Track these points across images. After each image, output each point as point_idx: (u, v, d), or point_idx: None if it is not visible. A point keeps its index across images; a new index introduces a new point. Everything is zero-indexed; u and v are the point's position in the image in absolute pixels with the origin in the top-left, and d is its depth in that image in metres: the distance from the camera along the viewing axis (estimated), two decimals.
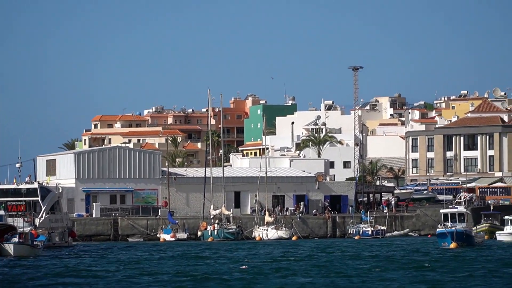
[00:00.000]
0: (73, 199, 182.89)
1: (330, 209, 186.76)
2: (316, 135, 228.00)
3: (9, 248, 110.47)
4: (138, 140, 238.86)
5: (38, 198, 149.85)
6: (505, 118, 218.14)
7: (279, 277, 69.89)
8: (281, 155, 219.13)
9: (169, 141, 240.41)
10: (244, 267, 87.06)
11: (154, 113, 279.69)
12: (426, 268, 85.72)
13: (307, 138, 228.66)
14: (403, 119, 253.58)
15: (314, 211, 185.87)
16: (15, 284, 70.52)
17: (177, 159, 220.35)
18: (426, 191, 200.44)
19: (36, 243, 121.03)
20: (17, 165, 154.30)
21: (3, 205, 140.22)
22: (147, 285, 67.46)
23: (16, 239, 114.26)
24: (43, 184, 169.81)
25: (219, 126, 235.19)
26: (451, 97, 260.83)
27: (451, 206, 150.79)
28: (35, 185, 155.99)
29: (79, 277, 78.41)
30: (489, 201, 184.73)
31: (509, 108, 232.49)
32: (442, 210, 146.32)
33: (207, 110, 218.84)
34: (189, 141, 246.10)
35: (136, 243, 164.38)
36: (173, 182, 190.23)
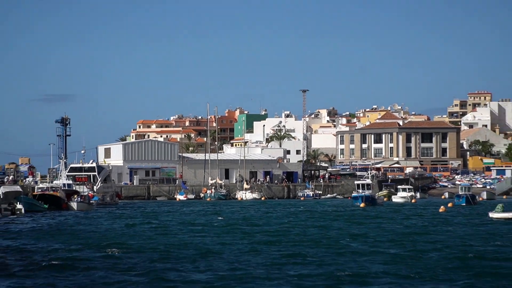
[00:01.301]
0: (121, 173, 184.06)
1: (286, 180, 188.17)
2: (279, 133, 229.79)
3: (74, 205, 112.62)
4: (166, 136, 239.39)
5: (96, 173, 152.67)
6: (400, 123, 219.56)
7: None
8: (256, 146, 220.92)
9: (185, 137, 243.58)
10: (220, 218, 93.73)
11: (176, 118, 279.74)
12: (344, 216, 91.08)
13: (273, 135, 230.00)
14: (335, 123, 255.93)
15: (276, 181, 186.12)
16: (77, 226, 74.94)
17: (190, 148, 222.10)
18: (348, 169, 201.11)
19: (91, 202, 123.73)
20: (82, 151, 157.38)
21: (72, 177, 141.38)
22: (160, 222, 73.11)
23: (78, 199, 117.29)
24: (100, 163, 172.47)
25: (218, 127, 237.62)
26: (366, 109, 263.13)
27: (362, 179, 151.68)
28: (93, 165, 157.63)
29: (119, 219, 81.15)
30: (389, 176, 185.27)
31: (403, 117, 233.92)
32: (356, 182, 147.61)
33: (208, 117, 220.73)
34: (198, 137, 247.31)
35: (161, 201, 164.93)
36: (185, 163, 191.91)
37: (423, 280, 32.54)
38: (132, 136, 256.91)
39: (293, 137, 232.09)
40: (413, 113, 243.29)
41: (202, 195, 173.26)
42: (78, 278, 33.40)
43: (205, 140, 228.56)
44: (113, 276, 33.47)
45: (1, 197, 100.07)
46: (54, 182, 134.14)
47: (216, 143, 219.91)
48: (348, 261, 43.83)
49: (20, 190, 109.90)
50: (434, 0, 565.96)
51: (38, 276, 33.95)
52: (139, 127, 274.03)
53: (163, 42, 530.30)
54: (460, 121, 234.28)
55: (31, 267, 37.82)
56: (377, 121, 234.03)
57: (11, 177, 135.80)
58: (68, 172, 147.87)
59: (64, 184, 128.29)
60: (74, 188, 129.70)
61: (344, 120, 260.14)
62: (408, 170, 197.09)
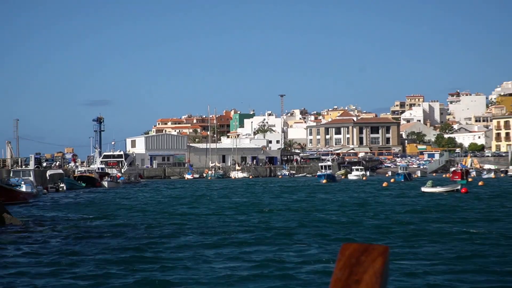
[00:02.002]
0: (144, 159, 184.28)
1: (268, 163, 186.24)
2: (263, 128, 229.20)
3: (105, 184, 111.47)
4: (178, 131, 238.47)
5: (123, 159, 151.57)
6: (355, 119, 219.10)
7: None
8: (245, 137, 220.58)
9: (193, 131, 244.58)
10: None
11: (186, 117, 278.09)
12: (309, 190, 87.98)
13: (258, 129, 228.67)
14: (305, 120, 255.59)
15: (260, 164, 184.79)
16: (108, 200, 73.67)
17: (196, 140, 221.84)
18: (315, 155, 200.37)
19: (119, 181, 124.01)
20: (112, 143, 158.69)
21: (105, 162, 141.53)
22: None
23: (108, 179, 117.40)
24: (126, 152, 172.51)
25: (217, 124, 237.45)
26: (329, 109, 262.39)
27: (325, 162, 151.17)
28: (121, 153, 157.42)
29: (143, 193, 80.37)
30: (346, 159, 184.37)
31: (357, 114, 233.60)
32: (320, 164, 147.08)
33: (209, 116, 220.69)
34: (203, 131, 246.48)
35: (174, 179, 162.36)
36: (192, 150, 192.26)
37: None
38: (153, 131, 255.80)
39: (274, 131, 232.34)
40: (364, 111, 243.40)
41: (204, 174, 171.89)
42: (109, 240, 33.01)
43: (207, 133, 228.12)
44: (139, 226, 32.89)
45: (48, 178, 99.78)
46: (91, 166, 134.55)
47: (215, 135, 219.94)
48: (295, 217, 46.05)
49: (63, 172, 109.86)
50: (378, 13, 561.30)
51: (81, 238, 33.98)
52: (158, 124, 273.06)
53: (178, 56, 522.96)
54: (400, 117, 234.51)
55: (74, 231, 37.86)
56: (337, 117, 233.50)
57: (57, 163, 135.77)
58: (102, 159, 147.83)
59: (98, 168, 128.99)
60: (105, 171, 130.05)
61: (312, 117, 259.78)
62: (361, 154, 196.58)
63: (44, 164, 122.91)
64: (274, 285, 21.90)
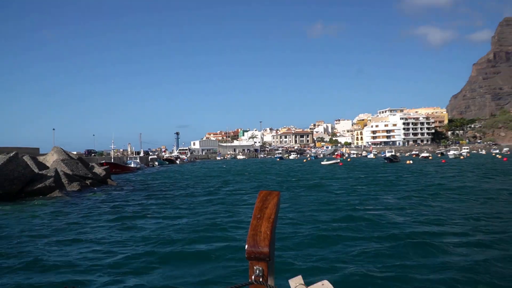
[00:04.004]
0: (199, 151, 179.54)
1: (254, 152, 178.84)
2: (252, 136, 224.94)
3: (177, 162, 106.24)
4: (215, 138, 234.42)
5: (187, 150, 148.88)
6: (293, 131, 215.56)
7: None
8: (245, 140, 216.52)
9: (221, 138, 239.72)
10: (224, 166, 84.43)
11: (218, 132, 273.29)
12: (272, 163, 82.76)
13: (250, 136, 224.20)
14: (273, 134, 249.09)
15: (250, 151, 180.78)
16: (179, 170, 69.11)
17: (222, 141, 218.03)
18: (275, 148, 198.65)
19: (184, 161, 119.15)
20: (183, 143, 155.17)
21: (179, 152, 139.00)
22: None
23: (179, 160, 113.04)
24: (189, 147, 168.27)
25: (231, 134, 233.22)
26: (282, 126, 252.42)
27: (279, 151, 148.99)
28: (187, 148, 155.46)
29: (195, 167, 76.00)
30: (289, 150, 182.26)
31: (295, 129, 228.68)
32: (277, 152, 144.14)
33: (227, 131, 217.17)
34: (226, 137, 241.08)
35: (211, 160, 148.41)
36: (220, 146, 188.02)
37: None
38: (204, 137, 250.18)
39: (257, 137, 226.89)
40: (298, 127, 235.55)
41: (225, 157, 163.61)
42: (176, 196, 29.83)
43: (228, 138, 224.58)
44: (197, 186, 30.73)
45: (149, 160, 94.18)
46: (172, 154, 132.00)
47: (230, 139, 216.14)
48: (258, 173, 38.59)
49: (156, 157, 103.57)
50: (294, 49, 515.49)
51: (141, 190, 28.87)
52: (206, 134, 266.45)
53: (215, 97, 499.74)
54: (313, 130, 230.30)
55: (140, 187, 33.24)
56: (285, 131, 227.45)
57: (157, 153, 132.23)
58: (177, 150, 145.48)
59: (175, 155, 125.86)
60: (178, 156, 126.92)
61: (274, 131, 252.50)
62: (295, 147, 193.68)
63: (150, 154, 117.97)
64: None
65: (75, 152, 71.50)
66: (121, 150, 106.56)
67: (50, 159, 32.72)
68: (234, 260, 9.46)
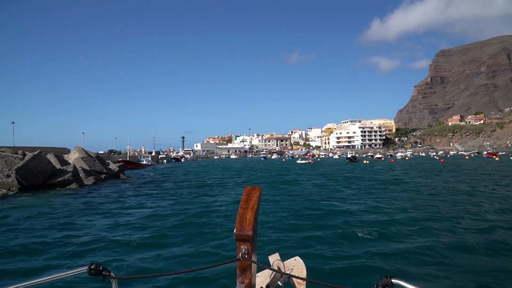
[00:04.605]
0: (200, 151, 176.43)
1: (244, 153, 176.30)
2: (243, 140, 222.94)
3: (182, 160, 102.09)
4: (213, 142, 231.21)
5: (191, 151, 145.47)
6: (275, 137, 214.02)
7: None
8: (238, 144, 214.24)
9: (218, 141, 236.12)
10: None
11: (216, 136, 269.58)
12: (257, 161, 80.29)
13: (241, 140, 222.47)
14: (259, 138, 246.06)
15: (241, 152, 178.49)
16: (181, 167, 65.77)
17: (219, 144, 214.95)
18: (261, 150, 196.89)
19: (188, 159, 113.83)
20: (187, 145, 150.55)
21: (184, 152, 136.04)
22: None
23: (183, 159, 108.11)
24: (192, 149, 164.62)
25: (226, 138, 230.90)
26: (266, 133, 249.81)
27: (264, 152, 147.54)
28: (190, 149, 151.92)
29: (196, 164, 73.06)
30: (272, 151, 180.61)
31: (276, 135, 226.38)
32: (261, 153, 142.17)
33: (222, 136, 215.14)
34: (222, 141, 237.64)
35: (210, 158, 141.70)
36: (217, 148, 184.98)
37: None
38: (205, 141, 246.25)
39: (246, 141, 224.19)
40: (279, 133, 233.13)
41: (221, 157, 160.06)
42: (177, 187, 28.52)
43: (223, 142, 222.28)
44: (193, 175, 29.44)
45: (159, 159, 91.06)
46: (178, 153, 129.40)
47: (225, 142, 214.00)
48: (245, 169, 37.11)
49: (164, 156, 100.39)
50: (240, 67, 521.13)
51: (148, 183, 26.64)
52: (206, 139, 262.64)
53: (216, 106, 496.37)
54: (291, 136, 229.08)
55: (148, 180, 31.24)
56: (268, 136, 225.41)
57: (166, 153, 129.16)
58: (183, 151, 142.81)
59: (181, 154, 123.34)
60: (183, 155, 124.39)
61: (260, 137, 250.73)
62: (277, 149, 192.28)
63: (160, 153, 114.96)
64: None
65: (101, 152, 70.20)
66: (138, 150, 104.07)
67: (72, 157, 31.02)
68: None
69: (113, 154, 71.68)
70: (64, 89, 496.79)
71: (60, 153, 35.43)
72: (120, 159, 54.33)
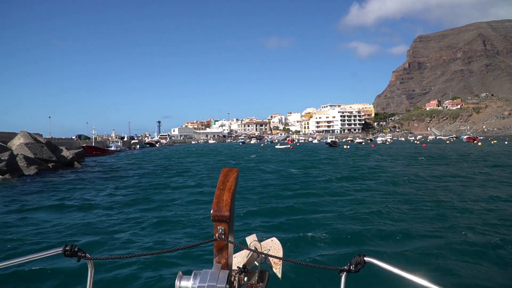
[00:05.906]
0: (177, 136, 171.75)
1: (223, 137, 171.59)
2: (222, 125, 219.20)
3: (157, 145, 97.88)
4: (192, 126, 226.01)
5: (167, 136, 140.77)
6: (254, 121, 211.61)
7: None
8: (216, 128, 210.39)
9: (197, 126, 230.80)
10: (194, 149, 79.78)
11: (195, 121, 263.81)
12: (236, 147, 77.66)
13: (219, 125, 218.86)
14: (238, 123, 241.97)
15: (220, 137, 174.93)
16: (157, 152, 61.62)
17: (197, 129, 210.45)
18: (240, 135, 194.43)
19: (164, 144, 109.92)
20: (163, 130, 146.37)
21: (160, 137, 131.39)
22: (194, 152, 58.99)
23: (158, 144, 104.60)
24: (168, 134, 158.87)
25: (205, 123, 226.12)
26: (246, 118, 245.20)
27: (242, 137, 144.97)
28: (167, 134, 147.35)
29: (172, 150, 68.92)
30: (251, 136, 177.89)
31: (256, 120, 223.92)
32: (239, 138, 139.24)
33: (201, 120, 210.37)
34: (201, 126, 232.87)
35: (188, 144, 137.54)
36: (195, 133, 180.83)
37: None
38: (183, 125, 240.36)
39: (225, 125, 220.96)
40: (258, 118, 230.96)
41: (199, 141, 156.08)
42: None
43: (202, 126, 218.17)
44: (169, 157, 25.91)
45: (131, 144, 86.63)
46: (153, 138, 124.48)
47: (203, 127, 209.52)
48: (224, 153, 34.73)
49: (137, 141, 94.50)
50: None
51: (139, 175, 22.84)
52: (184, 123, 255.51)
53: (197, 91, 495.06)
54: (271, 121, 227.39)
55: (107, 168, 28.12)
56: (248, 121, 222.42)
57: (139, 138, 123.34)
58: (158, 136, 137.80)
59: (156, 139, 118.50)
60: (159, 140, 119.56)
61: (240, 121, 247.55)
62: (256, 134, 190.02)
63: (134, 138, 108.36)
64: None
65: (69, 138, 64.47)
66: (109, 135, 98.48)
67: (16, 143, 26.82)
68: None
69: (79, 140, 66.52)
70: (33, 73, 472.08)
71: (7, 138, 30.90)
72: (85, 145, 49.83)
